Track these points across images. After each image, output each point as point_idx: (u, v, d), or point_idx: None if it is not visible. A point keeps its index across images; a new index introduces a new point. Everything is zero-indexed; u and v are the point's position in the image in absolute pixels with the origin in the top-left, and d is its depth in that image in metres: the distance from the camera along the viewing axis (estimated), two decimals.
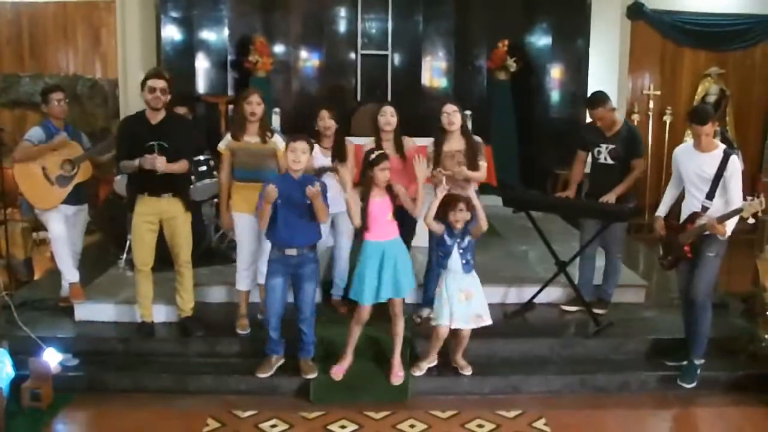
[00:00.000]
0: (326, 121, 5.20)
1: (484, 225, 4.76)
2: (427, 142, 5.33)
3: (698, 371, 4.93)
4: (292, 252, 4.64)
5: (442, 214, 4.72)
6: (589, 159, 5.65)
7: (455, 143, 5.16)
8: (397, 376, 4.81)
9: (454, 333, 4.84)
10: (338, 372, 4.83)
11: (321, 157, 5.20)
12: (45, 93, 5.53)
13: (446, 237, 4.73)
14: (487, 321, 4.82)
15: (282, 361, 4.91)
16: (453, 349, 4.94)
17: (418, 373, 4.88)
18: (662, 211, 5.08)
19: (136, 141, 4.95)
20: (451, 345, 4.92)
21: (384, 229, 4.66)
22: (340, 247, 5.51)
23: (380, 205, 4.64)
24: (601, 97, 5.40)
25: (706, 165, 4.71)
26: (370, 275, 4.62)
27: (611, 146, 5.39)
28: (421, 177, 4.71)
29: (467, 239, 4.75)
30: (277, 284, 4.69)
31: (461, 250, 4.73)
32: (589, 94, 5.75)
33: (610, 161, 5.42)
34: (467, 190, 4.85)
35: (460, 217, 4.68)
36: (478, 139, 5.31)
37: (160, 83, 4.94)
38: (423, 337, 5.12)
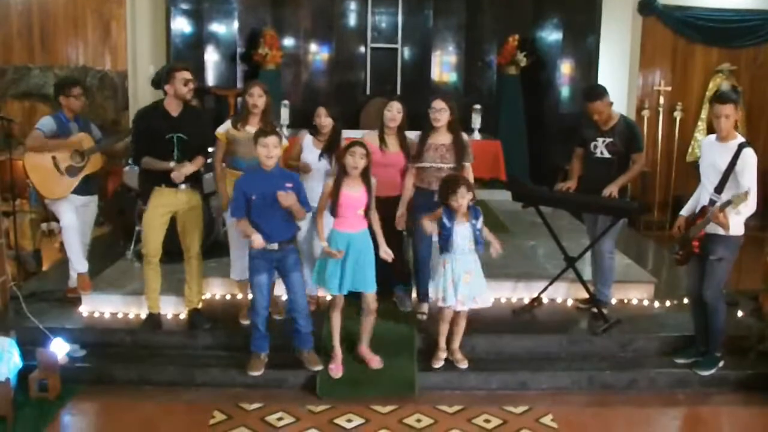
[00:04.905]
0: (323, 119, 5.22)
1: (497, 245, 4.83)
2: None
3: (719, 363, 4.95)
4: (273, 246, 4.61)
5: (443, 197, 4.69)
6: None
7: (441, 137, 5.18)
8: (374, 361, 4.85)
9: (452, 319, 4.86)
10: (336, 369, 4.81)
11: (312, 149, 5.22)
12: (65, 86, 5.53)
13: (446, 220, 4.69)
14: (487, 303, 4.85)
15: (267, 359, 4.89)
16: (451, 339, 4.95)
17: (438, 364, 4.90)
18: (685, 210, 5.00)
19: (156, 134, 4.96)
20: (448, 334, 4.94)
21: (353, 221, 4.65)
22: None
23: (352, 198, 4.61)
24: (600, 90, 5.36)
25: (720, 156, 4.65)
26: (334, 265, 4.62)
27: (608, 140, 5.35)
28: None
29: (480, 219, 4.75)
30: (262, 280, 4.69)
31: (477, 231, 4.72)
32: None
33: (607, 155, 5.37)
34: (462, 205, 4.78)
35: (462, 201, 4.65)
36: (465, 137, 5.31)
37: (191, 75, 5.00)
38: (426, 332, 5.12)
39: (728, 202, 4.51)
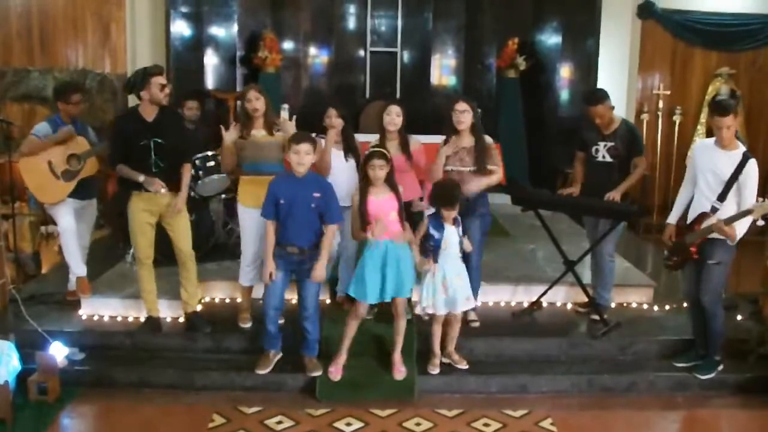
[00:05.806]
0: (333, 120, 5.21)
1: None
2: (433, 140, 5.31)
3: (719, 367, 4.95)
4: (293, 250, 4.62)
5: (442, 203, 4.68)
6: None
7: (464, 141, 5.13)
8: (399, 372, 4.80)
9: (447, 321, 4.86)
10: (335, 372, 4.79)
11: (334, 150, 5.20)
12: (65, 92, 5.51)
13: (433, 231, 4.69)
14: (474, 302, 4.93)
15: (280, 356, 4.90)
16: (447, 342, 4.94)
17: (436, 371, 4.88)
18: (673, 217, 5.03)
19: (132, 139, 4.93)
20: (444, 337, 4.93)
21: (388, 226, 4.61)
22: (345, 243, 5.50)
23: (380, 204, 4.60)
24: (601, 94, 5.37)
25: (722, 164, 4.63)
26: (372, 274, 4.59)
27: (610, 144, 5.35)
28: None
29: (459, 220, 4.79)
30: (276, 278, 4.67)
31: (460, 234, 4.75)
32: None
33: (608, 159, 5.37)
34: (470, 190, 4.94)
35: (455, 213, 4.69)
36: (489, 139, 5.27)
37: (165, 79, 4.98)
38: (426, 334, 5.09)
39: (747, 212, 4.51)
